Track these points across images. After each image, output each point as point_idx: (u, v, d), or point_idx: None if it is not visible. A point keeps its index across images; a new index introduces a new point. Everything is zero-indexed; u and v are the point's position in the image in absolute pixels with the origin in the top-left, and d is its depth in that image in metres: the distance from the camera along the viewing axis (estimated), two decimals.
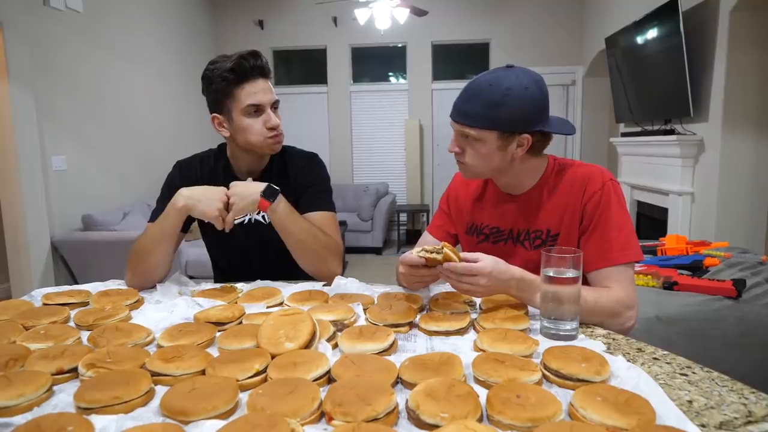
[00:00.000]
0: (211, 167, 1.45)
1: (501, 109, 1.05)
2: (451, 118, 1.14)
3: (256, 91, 1.30)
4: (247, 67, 1.29)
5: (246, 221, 1.46)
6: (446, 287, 1.19)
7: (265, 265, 1.44)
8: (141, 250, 1.28)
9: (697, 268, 2.33)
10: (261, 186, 1.25)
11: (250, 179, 1.36)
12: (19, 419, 0.65)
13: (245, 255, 1.48)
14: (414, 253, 1.03)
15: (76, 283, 3.63)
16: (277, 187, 1.26)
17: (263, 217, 1.44)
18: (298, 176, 1.45)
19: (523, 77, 1.07)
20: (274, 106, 1.36)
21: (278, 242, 1.32)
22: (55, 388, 0.75)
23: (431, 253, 0.99)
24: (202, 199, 1.23)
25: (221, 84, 1.30)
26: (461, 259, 0.98)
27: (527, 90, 1.06)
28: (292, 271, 1.39)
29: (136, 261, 1.28)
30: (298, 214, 1.31)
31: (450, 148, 1.16)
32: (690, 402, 0.68)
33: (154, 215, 1.35)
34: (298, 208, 1.36)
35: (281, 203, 1.26)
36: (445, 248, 0.98)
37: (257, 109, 1.32)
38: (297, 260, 1.33)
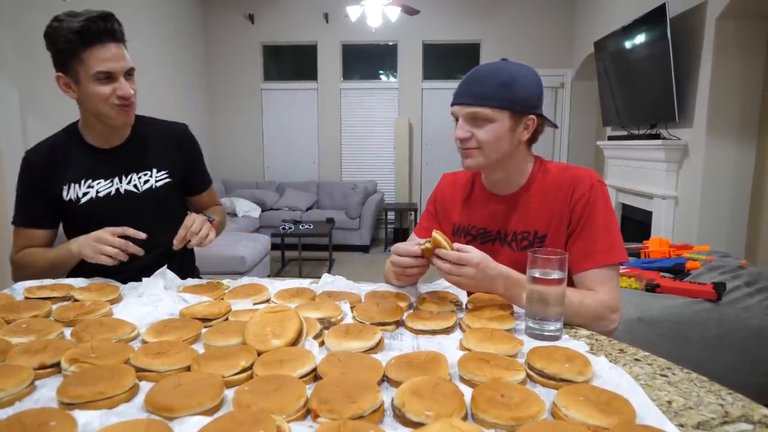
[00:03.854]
0: (65, 149, 1.37)
1: (513, 88, 1.10)
2: (458, 103, 1.13)
3: (107, 57, 1.22)
4: (95, 31, 1.21)
5: (114, 193, 1.37)
6: (433, 286, 1.20)
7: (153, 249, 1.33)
8: (28, 273, 1.32)
9: (679, 271, 2.37)
10: (203, 216, 1.32)
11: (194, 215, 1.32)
12: (0, 414, 0.64)
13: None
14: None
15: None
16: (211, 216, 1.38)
17: (135, 186, 1.39)
18: (181, 147, 1.49)
19: (521, 66, 1.15)
20: (129, 73, 1.29)
21: (159, 214, 1.36)
22: (37, 383, 0.74)
23: (424, 244, 1.02)
24: (82, 243, 1.23)
25: (66, 45, 1.21)
26: (452, 247, 0.99)
27: (530, 74, 1.14)
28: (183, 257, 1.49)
29: (22, 275, 1.33)
30: (217, 219, 1.44)
31: (460, 134, 1.13)
32: (669, 402, 0.70)
33: (19, 216, 1.36)
34: (188, 186, 1.51)
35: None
36: (435, 233, 0.99)
37: (108, 77, 1.24)
38: None
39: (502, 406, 0.63)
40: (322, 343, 0.88)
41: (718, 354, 2.02)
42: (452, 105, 1.16)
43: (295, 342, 0.83)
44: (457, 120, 1.15)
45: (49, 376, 0.77)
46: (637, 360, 0.84)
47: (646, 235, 3.85)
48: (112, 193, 1.37)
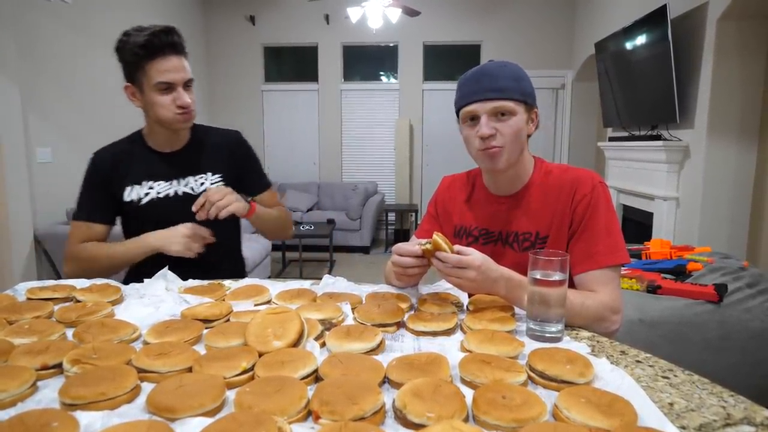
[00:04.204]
0: (128, 153, 1.48)
1: (522, 82, 1.13)
2: (477, 100, 1.10)
3: (168, 68, 1.32)
4: (158, 44, 1.30)
5: (172, 194, 1.45)
6: (434, 288, 1.20)
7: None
8: (86, 266, 1.39)
9: (680, 272, 2.37)
10: (229, 189, 1.36)
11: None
12: (2, 415, 0.65)
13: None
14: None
15: (59, 277, 3.57)
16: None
17: (192, 188, 1.47)
18: (233, 153, 1.55)
19: (515, 64, 1.17)
20: (187, 84, 1.37)
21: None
22: (39, 383, 0.74)
23: (425, 244, 1.02)
24: (170, 238, 1.34)
25: (132, 58, 1.32)
26: (453, 249, 0.99)
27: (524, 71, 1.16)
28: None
29: (79, 268, 1.38)
30: (264, 208, 1.50)
31: (486, 131, 1.09)
32: (671, 404, 0.70)
33: (81, 211, 1.45)
34: (243, 188, 1.52)
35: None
36: (435, 235, 0.99)
37: (168, 87, 1.34)
38: (264, 236, 1.55)
39: (503, 407, 0.63)
40: (323, 345, 0.88)
41: (719, 356, 2.02)
42: (467, 105, 1.12)
43: (296, 343, 0.83)
44: (471, 120, 1.13)
45: (51, 377, 0.77)
46: (638, 362, 0.84)
47: (647, 236, 3.85)
48: (171, 195, 1.45)
